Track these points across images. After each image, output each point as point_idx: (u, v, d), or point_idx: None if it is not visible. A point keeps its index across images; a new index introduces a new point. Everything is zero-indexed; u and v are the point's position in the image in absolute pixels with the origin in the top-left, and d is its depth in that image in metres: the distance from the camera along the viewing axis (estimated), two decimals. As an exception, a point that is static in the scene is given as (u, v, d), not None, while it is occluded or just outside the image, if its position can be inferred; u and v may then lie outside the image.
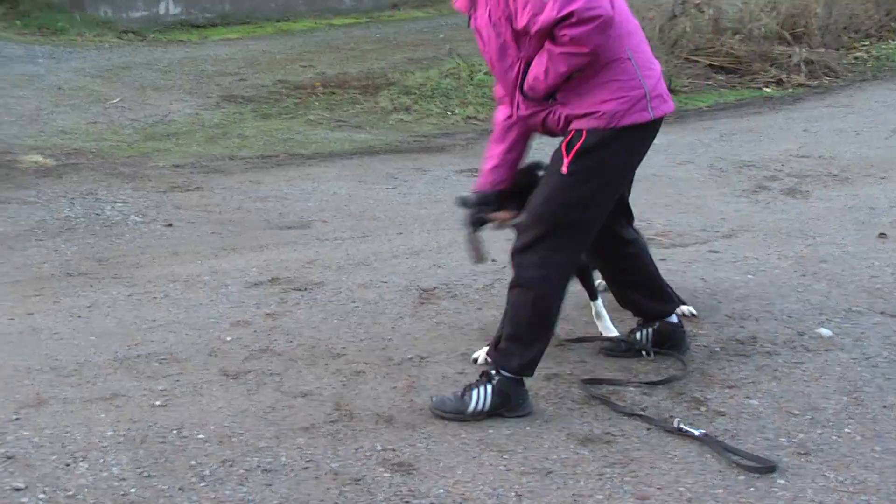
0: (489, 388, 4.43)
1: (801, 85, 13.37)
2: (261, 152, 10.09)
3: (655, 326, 5.07)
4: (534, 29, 4.18)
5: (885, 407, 4.46)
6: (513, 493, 3.79)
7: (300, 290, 6.03)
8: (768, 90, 13.17)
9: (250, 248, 6.96)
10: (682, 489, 3.81)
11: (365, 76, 13.57)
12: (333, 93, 12.75)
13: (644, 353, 5.03)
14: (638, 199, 8.03)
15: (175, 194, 8.30)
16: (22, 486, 3.77)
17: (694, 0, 13.75)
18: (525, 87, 4.36)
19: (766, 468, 3.94)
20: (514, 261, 4.50)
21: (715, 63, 13.75)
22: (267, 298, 5.88)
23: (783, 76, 13.39)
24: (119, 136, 10.58)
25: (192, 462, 3.98)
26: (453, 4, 4.57)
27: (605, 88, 4.29)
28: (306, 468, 3.96)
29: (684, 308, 5.46)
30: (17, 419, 4.31)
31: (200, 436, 4.20)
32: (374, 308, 5.73)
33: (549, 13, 4.10)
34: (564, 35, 4.11)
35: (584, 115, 4.32)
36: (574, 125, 4.35)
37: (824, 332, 5.24)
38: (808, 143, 9.76)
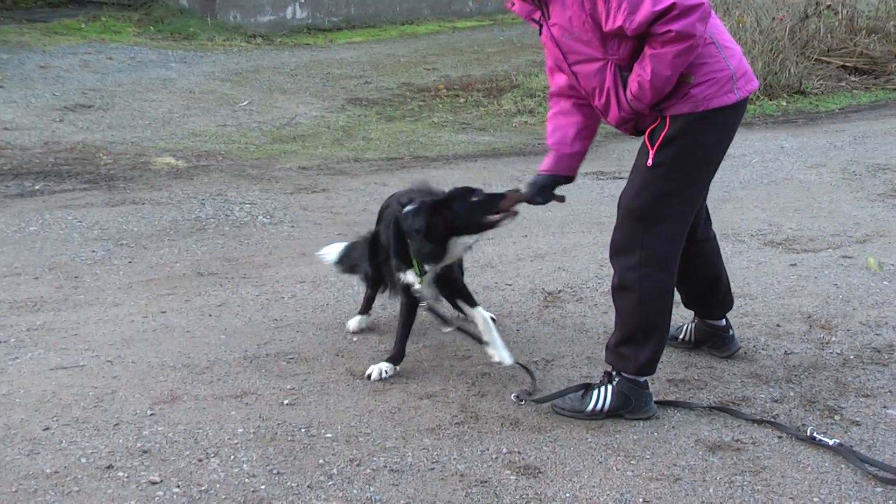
0: (609, 389, 4.38)
1: (939, 85, 12.97)
2: (385, 154, 10.18)
3: (696, 323, 5.05)
4: (630, 28, 4.02)
5: None
6: (640, 499, 3.74)
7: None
8: (904, 92, 12.81)
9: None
10: (815, 499, 3.72)
11: (489, 79, 13.60)
12: (457, 95, 12.81)
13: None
14: (767, 204, 7.91)
15: (302, 196, 8.42)
16: (157, 479, 3.85)
17: (826, 0, 13.43)
18: (629, 97, 4.21)
19: None
20: (614, 262, 4.41)
21: (848, 64, 13.42)
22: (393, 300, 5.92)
23: (922, 77, 13.01)
24: (247, 138, 10.77)
25: (321, 460, 4.03)
26: (510, 7, 4.42)
27: (694, 72, 4.17)
28: (432, 469, 3.98)
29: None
30: (151, 415, 4.41)
31: (328, 434, 4.25)
32: (498, 311, 5.72)
33: (647, 9, 3.94)
34: (668, 32, 3.96)
35: (673, 101, 4.20)
36: (660, 111, 4.24)
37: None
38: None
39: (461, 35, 17.83)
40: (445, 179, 9.05)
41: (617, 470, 3.96)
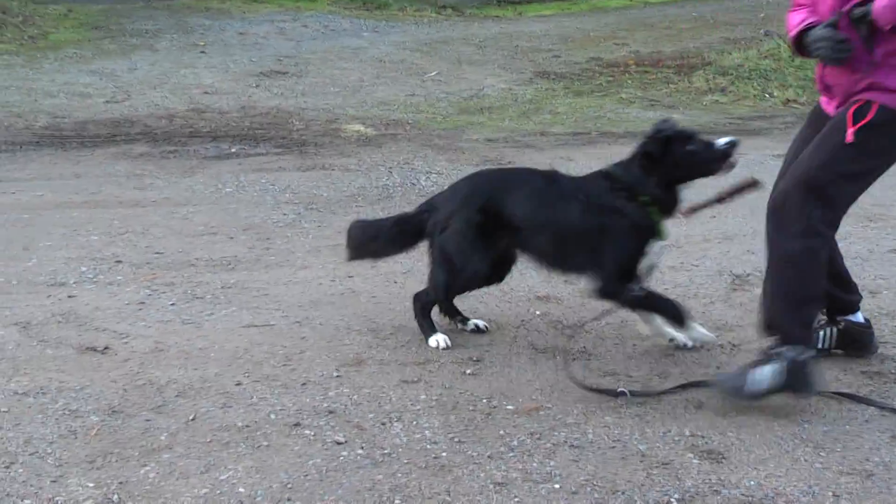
0: (772, 367, 4.19)
1: None
2: (572, 129, 10.12)
3: (840, 327, 4.73)
4: None
5: None
6: (830, 493, 3.62)
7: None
8: None
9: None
10: None
11: (679, 55, 13.37)
12: (647, 71, 12.64)
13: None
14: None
15: (488, 168, 8.44)
16: (342, 440, 3.93)
17: None
18: (877, 7, 3.94)
19: None
20: (773, 226, 4.25)
21: None
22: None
23: None
24: (434, 108, 10.87)
25: (501, 432, 4.04)
26: None
27: None
28: (613, 447, 3.94)
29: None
30: (337, 376, 4.51)
31: (510, 406, 4.26)
32: (684, 291, 5.63)
33: None
34: None
35: (887, 90, 4.05)
36: (868, 95, 4.09)
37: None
38: None
39: (652, 10, 17.57)
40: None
41: (805, 461, 3.84)
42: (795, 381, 4.18)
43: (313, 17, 15.35)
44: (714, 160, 4.54)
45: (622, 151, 8.90)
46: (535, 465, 3.80)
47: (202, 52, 12.89)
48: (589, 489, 3.63)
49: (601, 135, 9.89)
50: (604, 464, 3.82)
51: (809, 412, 4.22)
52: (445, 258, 4.83)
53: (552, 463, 3.81)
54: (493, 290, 5.57)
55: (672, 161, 4.53)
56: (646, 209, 4.56)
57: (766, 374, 4.18)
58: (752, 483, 3.69)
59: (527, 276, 5.83)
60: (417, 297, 5.01)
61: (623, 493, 3.61)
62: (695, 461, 3.84)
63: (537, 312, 5.33)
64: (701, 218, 6.99)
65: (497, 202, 4.75)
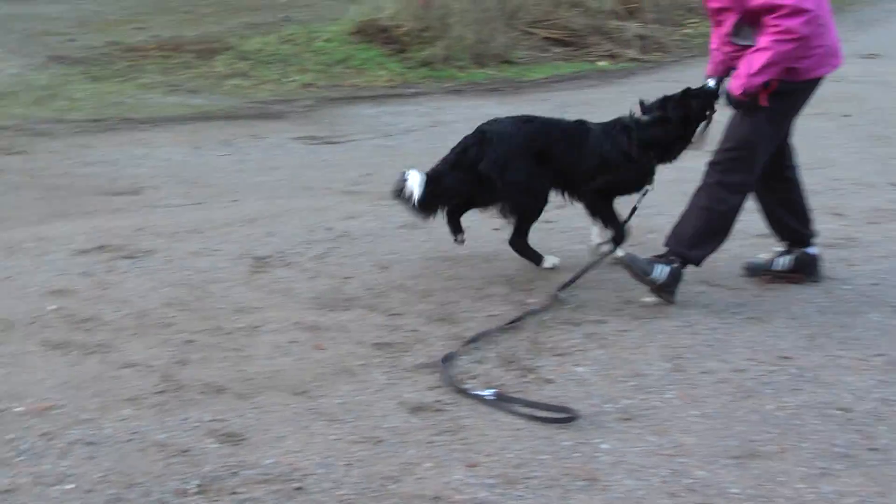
0: (669, 268, 5.29)
1: (633, 59, 13.69)
2: (91, 116, 9.79)
3: (796, 255, 5.72)
4: (753, 4, 4.95)
5: (703, 372, 4.60)
6: (342, 463, 3.76)
7: (129, 257, 5.89)
8: (602, 64, 13.44)
9: (78, 215, 6.75)
10: (510, 455, 3.85)
11: (201, 40, 13.26)
12: (168, 56, 12.44)
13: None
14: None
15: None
16: None
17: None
18: (737, 87, 5.10)
19: (566, 418, 4.08)
20: (717, 174, 5.27)
21: (552, 35, 13.95)
22: (94, 266, 5.73)
23: (617, 50, 13.66)
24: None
25: (10, 436, 3.84)
26: None
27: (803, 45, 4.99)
28: (131, 440, 3.86)
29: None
30: None
31: (19, 408, 4.05)
32: (206, 277, 5.62)
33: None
34: (777, 25, 4.88)
35: (784, 69, 5.03)
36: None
37: (648, 299, 5.39)
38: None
39: (175, -7, 17.34)
40: (154, 142, 8.82)
41: (321, 434, 3.97)
42: (676, 286, 5.32)
43: None
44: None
45: (143, 138, 8.79)
46: (46, 467, 3.65)
47: None
48: (104, 486, 3.54)
49: (122, 121, 9.64)
50: (121, 458, 3.74)
51: (326, 387, 4.36)
52: None
53: (65, 463, 3.67)
54: (1, 286, 5.29)
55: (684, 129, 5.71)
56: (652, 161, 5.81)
57: (665, 271, 5.27)
58: (271, 461, 3.76)
59: (41, 270, 5.58)
60: None
61: (141, 485, 3.56)
62: (214, 445, 3.86)
63: (52, 307, 5.11)
64: (222, 202, 7.07)
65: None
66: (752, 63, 5.06)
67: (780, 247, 5.79)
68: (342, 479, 3.66)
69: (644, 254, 5.45)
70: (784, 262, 5.76)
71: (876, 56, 14.29)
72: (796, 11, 4.89)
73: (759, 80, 5.05)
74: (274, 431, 3.98)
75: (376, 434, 3.99)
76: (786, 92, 5.14)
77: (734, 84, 5.18)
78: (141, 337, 4.83)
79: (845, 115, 10.44)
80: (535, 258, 5.86)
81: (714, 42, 5.47)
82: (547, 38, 13.88)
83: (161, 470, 3.67)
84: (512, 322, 5.03)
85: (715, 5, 5.21)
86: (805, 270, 5.75)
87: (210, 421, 4.04)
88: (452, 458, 3.83)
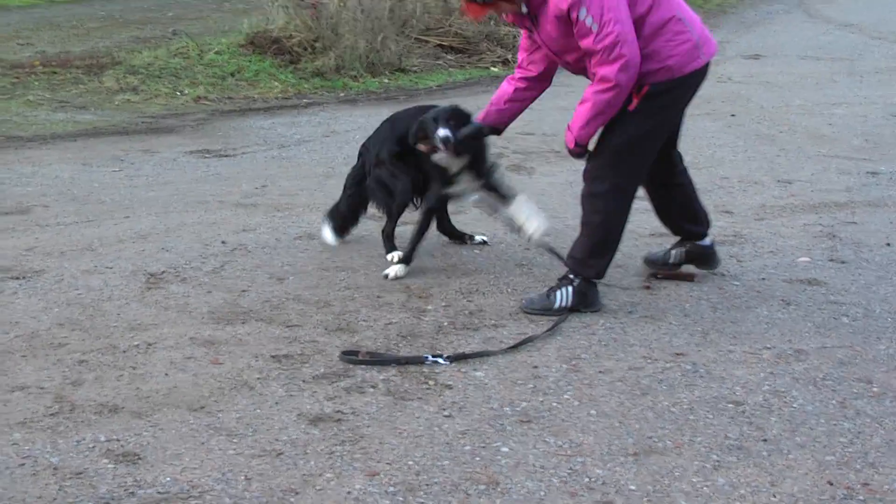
0: (570, 289, 5.32)
1: (526, 65, 13.81)
2: (-25, 134, 9.55)
3: (687, 248, 5.82)
4: (581, 44, 4.93)
5: (600, 372, 4.67)
6: (242, 477, 3.73)
7: (18, 278, 5.75)
8: (495, 69, 13.54)
9: (-38, 236, 6.58)
10: (410, 463, 3.86)
11: (89, 55, 13.04)
12: (55, 72, 12.20)
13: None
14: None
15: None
16: None
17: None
18: (570, 141, 5.19)
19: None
20: (588, 184, 5.28)
21: (444, 43, 14.01)
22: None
23: (509, 56, 13.77)
24: None
25: None
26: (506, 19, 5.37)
27: (666, 45, 5.02)
28: (23, 464, 3.78)
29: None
30: None
31: None
32: (98, 295, 5.53)
33: (587, 42, 4.87)
34: (594, 73, 4.95)
35: (653, 72, 5.01)
36: (643, 80, 5.03)
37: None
38: (532, 121, 10.01)
39: (59, 9, 17.04)
40: (41, 160, 8.64)
41: (219, 450, 3.93)
42: (591, 300, 5.37)
43: None
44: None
45: (30, 156, 8.60)
46: (-66, 496, 3.56)
47: None
48: (-5, 512, 3.47)
49: (7, 139, 9.41)
50: (13, 483, 3.65)
51: (224, 402, 4.32)
52: None
53: (-46, 491, 3.58)
54: None
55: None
56: None
57: (568, 295, 5.31)
58: (168, 479, 3.72)
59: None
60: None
61: (34, 510, 3.49)
62: (110, 466, 3.79)
63: (-62, 332, 4.98)
64: (114, 219, 6.95)
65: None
66: (577, 117, 5.10)
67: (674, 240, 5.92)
68: (241, 494, 3.64)
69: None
70: (678, 254, 5.87)
71: (759, 56, 14.68)
72: (610, 58, 4.85)
73: (588, 132, 5.13)
74: (171, 449, 3.93)
75: (276, 447, 3.96)
76: (659, 92, 5.09)
77: (567, 138, 5.22)
78: (32, 359, 4.73)
79: (732, 115, 10.69)
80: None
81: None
82: (439, 46, 13.95)
83: (55, 494, 3.60)
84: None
85: (571, 58, 5.19)
86: (700, 262, 5.87)
87: (105, 441, 3.97)
88: (353, 467, 3.83)
